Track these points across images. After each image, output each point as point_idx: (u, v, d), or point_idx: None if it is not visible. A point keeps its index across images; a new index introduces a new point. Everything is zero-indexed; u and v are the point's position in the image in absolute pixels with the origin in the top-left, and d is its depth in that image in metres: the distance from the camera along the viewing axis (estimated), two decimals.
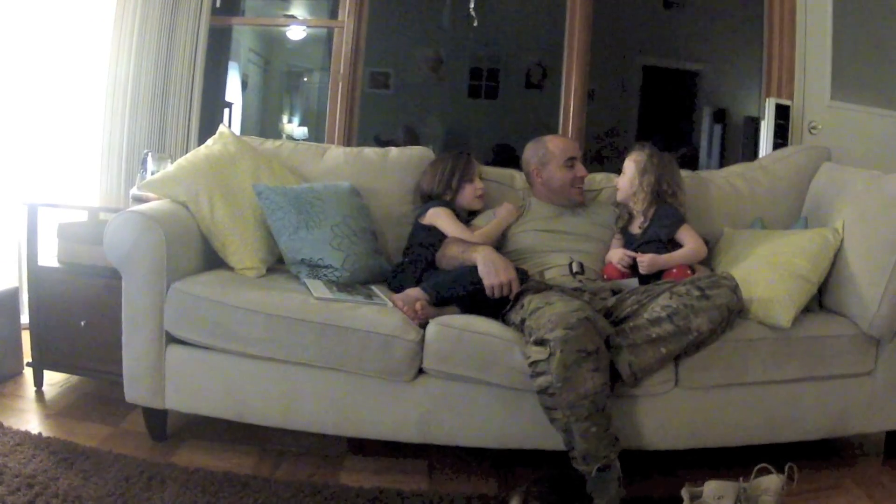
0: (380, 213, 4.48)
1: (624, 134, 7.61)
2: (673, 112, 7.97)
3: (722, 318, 3.44)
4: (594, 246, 4.29)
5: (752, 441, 3.71)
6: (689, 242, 4.14)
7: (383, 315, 3.50)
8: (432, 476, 3.62)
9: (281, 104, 8.40)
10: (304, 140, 7.75)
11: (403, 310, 3.54)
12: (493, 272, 3.62)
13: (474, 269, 3.67)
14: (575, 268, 4.07)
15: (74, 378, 4.45)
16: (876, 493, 3.62)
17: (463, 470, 3.70)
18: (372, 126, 6.19)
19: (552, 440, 3.27)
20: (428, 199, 4.43)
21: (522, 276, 3.78)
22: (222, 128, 4.38)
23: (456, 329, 3.45)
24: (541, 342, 3.15)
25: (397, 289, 3.91)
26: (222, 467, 3.50)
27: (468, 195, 4.39)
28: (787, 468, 3.27)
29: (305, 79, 8.01)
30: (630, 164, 4.36)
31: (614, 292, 3.89)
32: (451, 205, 4.35)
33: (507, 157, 5.55)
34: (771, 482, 3.22)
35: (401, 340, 3.38)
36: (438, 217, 4.19)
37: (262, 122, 7.98)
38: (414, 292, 3.64)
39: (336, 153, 4.63)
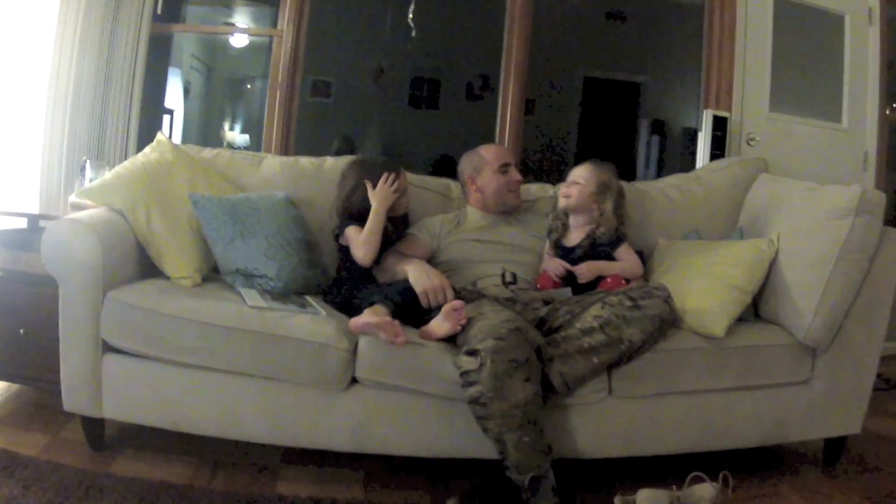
0: (316, 224, 4.45)
1: (564, 144, 7.61)
2: (612, 123, 7.97)
3: (654, 328, 3.47)
4: (528, 256, 4.31)
5: (687, 449, 3.74)
6: (628, 257, 4.17)
7: (317, 324, 3.49)
8: (367, 485, 3.62)
9: (223, 111, 8.37)
10: (245, 147, 7.73)
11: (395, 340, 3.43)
12: (424, 278, 3.65)
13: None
14: (508, 278, 4.08)
15: (15, 386, 4.41)
16: (813, 500, 3.66)
17: (398, 479, 3.71)
18: (311, 135, 6.16)
19: (486, 449, 3.28)
20: (344, 214, 4.28)
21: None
22: (160, 136, 4.36)
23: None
24: (472, 352, 3.16)
25: (337, 304, 3.96)
26: (160, 476, 3.48)
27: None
28: (721, 476, 3.30)
29: (248, 86, 7.98)
30: (589, 179, 4.29)
31: (546, 302, 3.92)
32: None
33: (448, 167, 5.54)
34: (705, 490, 3.26)
35: (333, 349, 3.37)
36: (347, 239, 4.11)
37: (204, 129, 7.96)
38: (378, 317, 3.54)
39: (272, 163, 4.60)
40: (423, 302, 3.64)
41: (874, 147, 6.30)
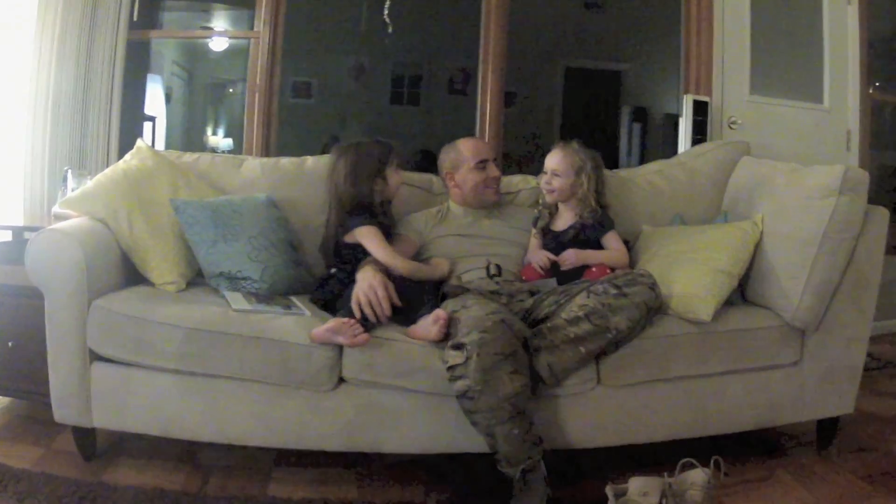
0: (298, 224, 4.43)
1: (546, 135, 7.58)
2: (594, 112, 7.95)
3: (640, 315, 3.46)
4: (511, 249, 4.30)
5: (679, 435, 3.73)
6: (615, 246, 4.17)
7: (302, 325, 3.47)
8: (360, 484, 3.62)
9: (205, 116, 8.35)
10: (229, 151, 7.72)
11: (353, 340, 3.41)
12: (365, 287, 3.61)
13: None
14: (492, 270, 4.07)
15: (5, 400, 4.39)
16: (808, 482, 3.66)
17: (391, 476, 3.70)
18: (295, 136, 6.14)
19: (478, 443, 3.28)
20: (351, 208, 4.20)
21: (433, 288, 3.80)
22: (140, 142, 4.35)
23: (374, 337, 3.45)
24: (458, 346, 3.15)
25: (323, 303, 3.95)
26: (153, 484, 3.48)
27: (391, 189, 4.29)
28: (713, 461, 3.30)
29: (231, 90, 7.95)
30: (566, 167, 4.29)
31: (532, 293, 3.90)
32: (375, 216, 4.17)
33: (431, 163, 5.54)
34: (697, 476, 3.25)
35: (319, 350, 3.37)
36: (365, 237, 4.04)
37: (188, 135, 7.94)
38: (333, 321, 3.51)
39: (253, 164, 4.59)
40: (356, 313, 3.57)
41: (856, 126, 6.31)
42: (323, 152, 4.69)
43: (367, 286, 3.61)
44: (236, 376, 3.45)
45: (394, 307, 3.64)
